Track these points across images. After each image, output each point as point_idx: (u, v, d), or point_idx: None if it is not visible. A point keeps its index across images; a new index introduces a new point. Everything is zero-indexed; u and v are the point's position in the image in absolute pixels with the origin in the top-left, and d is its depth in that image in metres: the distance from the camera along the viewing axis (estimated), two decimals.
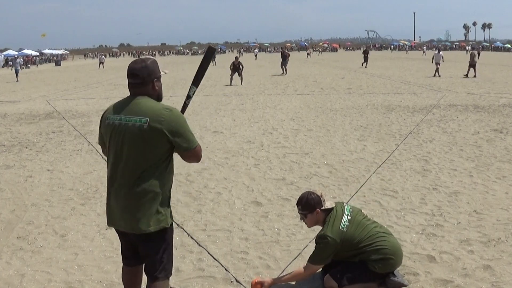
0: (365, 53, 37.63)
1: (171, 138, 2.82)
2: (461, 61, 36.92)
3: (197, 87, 3.28)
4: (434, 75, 25.48)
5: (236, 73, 23.60)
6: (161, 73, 3.01)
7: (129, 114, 2.84)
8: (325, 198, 3.84)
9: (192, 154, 2.93)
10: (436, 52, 27.83)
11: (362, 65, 37.41)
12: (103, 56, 55.20)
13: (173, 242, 3.14)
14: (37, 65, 65.43)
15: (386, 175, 6.89)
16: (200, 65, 3.34)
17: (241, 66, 23.73)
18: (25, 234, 5.04)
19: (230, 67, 23.87)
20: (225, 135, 10.30)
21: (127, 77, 2.95)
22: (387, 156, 7.99)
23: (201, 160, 3.07)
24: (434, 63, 26.88)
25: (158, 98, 2.98)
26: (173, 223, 3.10)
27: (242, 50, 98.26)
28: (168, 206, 2.99)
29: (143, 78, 2.89)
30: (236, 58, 24.52)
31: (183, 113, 3.14)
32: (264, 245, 4.64)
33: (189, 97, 3.26)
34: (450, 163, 7.46)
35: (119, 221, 2.96)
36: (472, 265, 4.08)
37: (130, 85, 2.95)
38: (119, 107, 2.93)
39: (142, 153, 2.83)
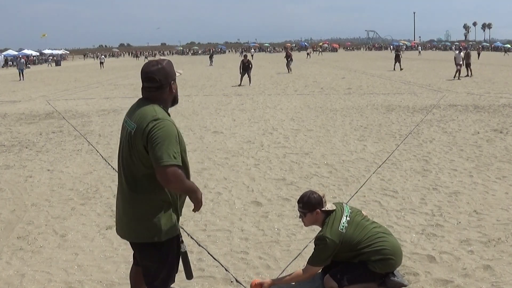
0: (397, 52, 32.59)
1: (147, 148, 2.62)
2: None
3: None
4: (454, 77, 23.28)
5: (246, 73, 23.19)
6: (176, 74, 2.89)
7: (130, 118, 2.79)
8: (326, 200, 3.84)
9: (161, 173, 2.57)
10: (457, 52, 25.14)
11: (394, 68, 31.52)
12: (103, 56, 55.50)
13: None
14: (49, 65, 65.03)
15: (386, 175, 6.89)
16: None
17: (250, 65, 23.44)
18: (25, 234, 5.04)
19: (240, 67, 23.56)
20: (225, 135, 10.30)
21: (142, 81, 2.80)
22: (387, 156, 7.99)
23: (179, 182, 2.67)
24: (455, 64, 24.02)
25: (175, 100, 2.89)
26: (175, 235, 2.89)
27: (242, 50, 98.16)
28: (167, 219, 2.80)
29: (160, 82, 2.74)
30: (245, 56, 24.27)
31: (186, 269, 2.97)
32: (264, 245, 4.64)
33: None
34: (450, 163, 7.45)
35: (117, 225, 2.95)
36: (472, 265, 4.08)
37: (145, 89, 2.79)
38: (130, 110, 2.86)
39: (133, 160, 2.73)
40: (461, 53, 24.58)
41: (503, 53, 73.53)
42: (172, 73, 2.82)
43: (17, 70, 34.46)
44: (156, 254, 2.85)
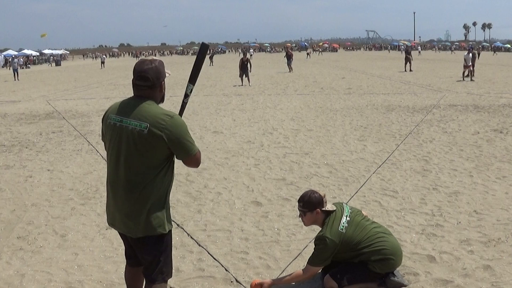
0: (407, 54, 31.03)
1: (170, 145, 2.77)
2: (462, 61, 36.82)
3: (194, 84, 3.16)
4: (470, 79, 22.50)
5: (244, 73, 23.10)
6: (166, 74, 2.95)
7: (130, 118, 2.79)
8: (327, 200, 3.85)
9: (191, 160, 2.89)
10: (466, 53, 23.83)
11: (405, 69, 30.20)
12: (104, 56, 55.96)
13: (173, 242, 3.11)
14: (49, 64, 65.10)
15: (386, 175, 6.89)
16: (195, 62, 3.24)
17: (249, 65, 23.39)
18: (25, 234, 5.04)
19: (239, 66, 23.45)
20: (225, 135, 10.31)
21: (135, 79, 2.85)
22: (387, 156, 7.99)
23: (201, 161, 3.02)
24: (465, 65, 23.20)
25: (162, 99, 2.95)
26: (172, 226, 3.04)
27: (241, 49, 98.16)
28: (167, 211, 2.93)
29: (153, 81, 2.82)
30: (245, 54, 24.21)
31: (182, 113, 3.07)
32: (264, 245, 4.64)
33: (186, 95, 3.13)
34: (450, 163, 7.46)
35: (117, 223, 2.96)
36: (472, 265, 4.08)
37: (137, 87, 2.85)
38: (122, 108, 2.87)
39: (141, 157, 2.79)
40: (470, 54, 23.73)
41: (493, 52, 72.57)
42: (163, 73, 2.90)
43: (12, 71, 34.77)
44: (158, 247, 2.93)
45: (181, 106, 3.18)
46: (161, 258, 2.96)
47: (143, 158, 2.79)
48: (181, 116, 2.98)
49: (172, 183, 2.99)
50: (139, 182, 2.81)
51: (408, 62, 30.53)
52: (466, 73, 23.27)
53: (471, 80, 22.38)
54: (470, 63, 23.16)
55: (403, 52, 41.68)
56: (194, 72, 3.17)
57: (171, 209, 3.09)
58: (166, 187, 2.90)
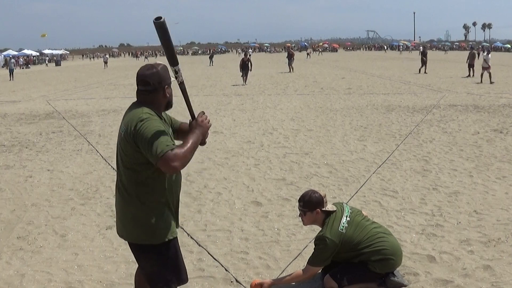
0: (423, 55, 29.49)
1: (141, 149, 2.64)
2: (461, 61, 36.87)
3: (175, 65, 2.75)
4: (490, 81, 21.00)
5: (245, 73, 23.18)
6: (171, 79, 2.87)
7: (123, 122, 2.81)
8: (327, 200, 3.85)
9: (162, 165, 2.56)
10: (485, 53, 22.35)
11: (419, 71, 28.96)
12: (107, 56, 56.51)
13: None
14: (46, 64, 65.23)
15: (386, 175, 6.89)
16: (162, 45, 2.72)
17: (250, 64, 23.43)
18: (25, 234, 5.04)
19: (240, 66, 23.51)
20: (225, 135, 10.31)
21: (137, 84, 2.82)
22: (387, 156, 7.99)
23: (176, 164, 2.59)
24: (481, 66, 21.92)
25: (168, 105, 2.87)
26: (173, 237, 2.85)
27: (241, 50, 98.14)
28: (165, 221, 2.78)
29: (154, 85, 2.77)
30: (245, 54, 24.31)
31: (187, 98, 2.85)
32: (264, 245, 4.64)
33: (176, 77, 2.81)
34: (450, 163, 7.46)
35: (117, 224, 2.96)
36: (472, 265, 4.08)
37: (139, 92, 2.82)
38: (125, 113, 2.87)
39: (125, 161, 2.76)
40: (489, 55, 22.07)
41: (482, 52, 68.78)
42: (166, 78, 2.82)
43: (8, 71, 35.28)
44: (153, 256, 2.83)
45: (182, 91, 2.83)
46: (161, 269, 2.83)
47: (126, 163, 2.76)
48: (189, 104, 2.82)
49: (169, 193, 2.83)
50: (127, 187, 2.78)
51: (424, 65, 29.03)
52: (465, 73, 22.93)
53: (491, 82, 20.90)
54: (487, 65, 21.51)
55: (400, 53, 40.75)
56: (169, 54, 2.73)
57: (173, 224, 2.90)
58: (158, 195, 2.77)
